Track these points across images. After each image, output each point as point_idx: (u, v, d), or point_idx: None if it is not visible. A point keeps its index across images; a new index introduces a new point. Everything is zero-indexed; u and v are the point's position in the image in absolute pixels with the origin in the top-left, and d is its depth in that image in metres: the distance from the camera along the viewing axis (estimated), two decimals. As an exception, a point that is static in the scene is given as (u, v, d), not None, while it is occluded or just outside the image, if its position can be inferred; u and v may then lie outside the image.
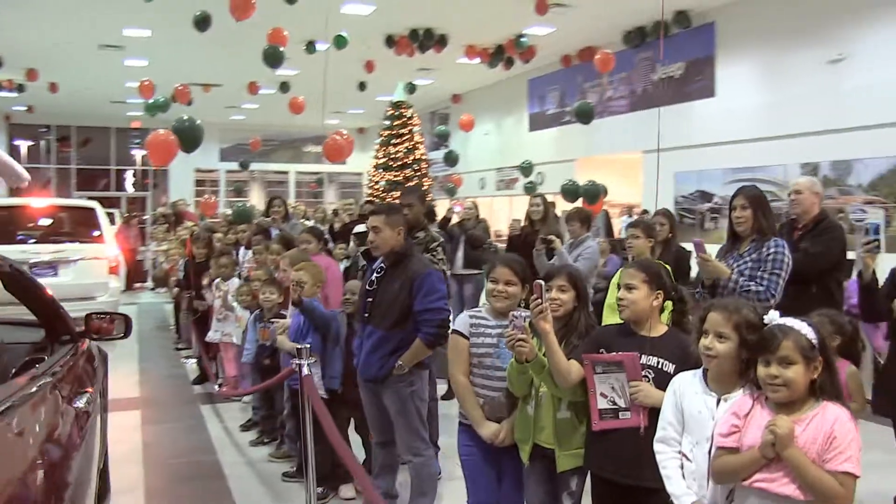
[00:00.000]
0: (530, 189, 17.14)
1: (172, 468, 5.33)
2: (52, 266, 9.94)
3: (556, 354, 2.99)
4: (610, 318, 4.93)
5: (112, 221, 15.19)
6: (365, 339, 3.99)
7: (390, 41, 16.97)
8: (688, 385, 2.69)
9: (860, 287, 4.35)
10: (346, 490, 4.68)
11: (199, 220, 13.48)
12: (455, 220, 9.22)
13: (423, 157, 16.72)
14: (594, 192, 12.02)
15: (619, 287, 3.13)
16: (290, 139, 31.24)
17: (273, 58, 12.18)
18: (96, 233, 10.60)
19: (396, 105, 17.01)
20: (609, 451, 2.97)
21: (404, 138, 16.61)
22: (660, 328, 3.07)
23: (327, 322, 4.56)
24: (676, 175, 15.83)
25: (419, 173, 16.69)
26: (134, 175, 32.66)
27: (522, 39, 16.54)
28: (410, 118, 16.97)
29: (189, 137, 8.88)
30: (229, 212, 12.95)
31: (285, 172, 32.74)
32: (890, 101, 11.58)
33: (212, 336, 6.91)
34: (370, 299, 4.01)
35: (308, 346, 3.75)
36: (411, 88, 18.29)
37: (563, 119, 19.87)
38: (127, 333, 3.58)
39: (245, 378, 6.52)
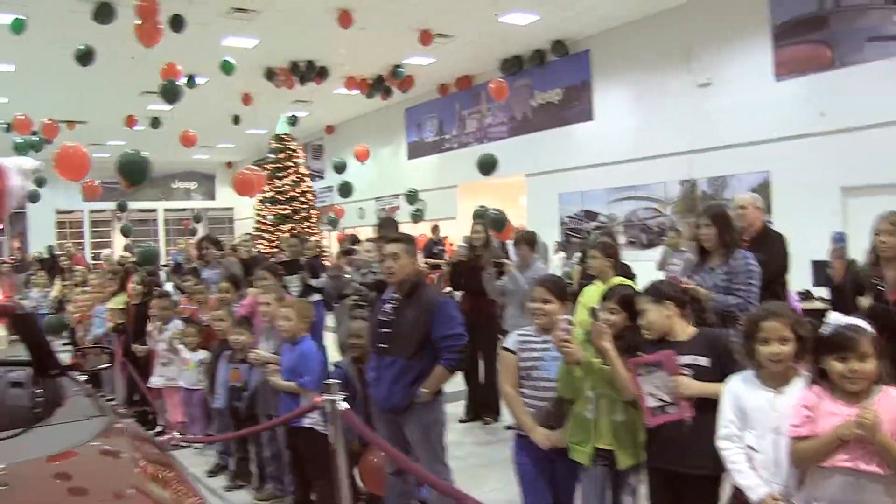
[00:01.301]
0: (417, 217, 17.38)
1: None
2: None
3: (617, 368, 3.31)
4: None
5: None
6: (383, 370, 4.03)
7: (270, 74, 16.86)
8: (744, 385, 2.97)
9: (832, 288, 4.79)
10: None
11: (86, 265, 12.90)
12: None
13: (310, 190, 16.65)
14: (501, 221, 12.34)
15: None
16: (159, 176, 30.18)
17: (170, 93, 11.87)
18: None
19: (279, 138, 16.87)
20: (662, 444, 3.26)
21: (290, 171, 16.48)
22: (688, 331, 3.38)
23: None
24: (560, 196, 16.49)
25: (306, 206, 16.58)
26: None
27: (399, 70, 16.84)
28: (294, 151, 16.88)
29: (135, 171, 8.53)
30: (118, 255, 12.47)
31: (153, 210, 31.63)
32: (754, 121, 12.56)
33: (155, 381, 6.68)
34: (387, 329, 4.06)
35: (338, 381, 3.73)
36: (293, 121, 18.21)
37: (442, 147, 20.27)
38: (111, 363, 3.75)
39: (195, 422, 6.35)
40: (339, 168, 16.59)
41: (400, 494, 4.23)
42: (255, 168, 12.82)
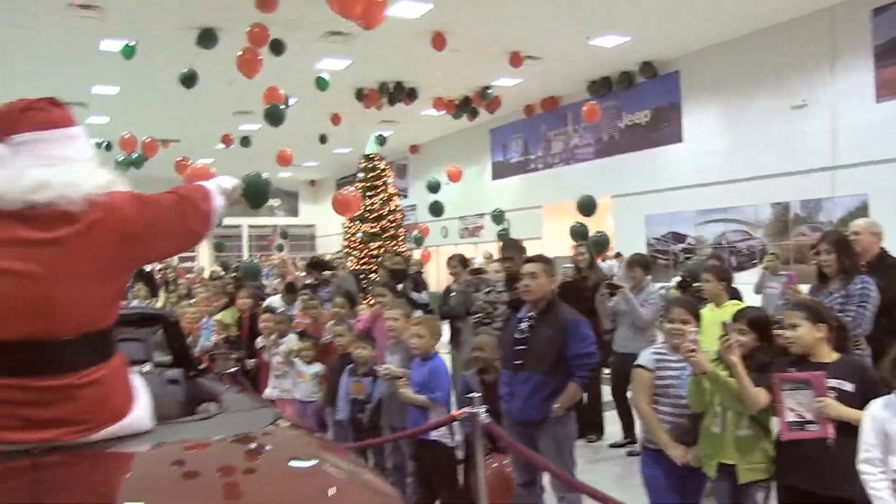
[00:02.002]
0: (503, 236, 17.49)
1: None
2: None
3: (744, 381, 3.40)
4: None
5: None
6: (518, 385, 4.17)
7: (360, 95, 17.24)
8: (886, 411, 2.99)
9: None
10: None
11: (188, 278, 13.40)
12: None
13: (398, 209, 16.92)
14: (603, 243, 12.48)
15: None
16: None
17: (274, 116, 12.28)
18: None
19: (369, 158, 17.20)
20: (798, 462, 3.32)
21: (378, 190, 16.79)
22: (833, 355, 3.43)
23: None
24: (647, 218, 16.41)
25: (394, 224, 16.85)
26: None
27: (488, 91, 17.04)
28: (384, 170, 17.19)
29: (259, 193, 8.93)
30: (219, 269, 12.92)
31: (238, 226, 32.48)
32: (853, 142, 12.35)
33: (269, 393, 6.88)
34: (522, 346, 4.19)
35: (479, 395, 3.86)
36: (382, 141, 18.56)
37: (528, 167, 20.39)
38: (238, 366, 4.33)
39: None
40: (434, 188, 16.82)
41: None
42: (351, 189, 13.10)
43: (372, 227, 16.39)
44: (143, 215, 2.27)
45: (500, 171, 21.56)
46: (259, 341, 7.22)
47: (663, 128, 16.16)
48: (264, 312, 7.28)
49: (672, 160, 15.94)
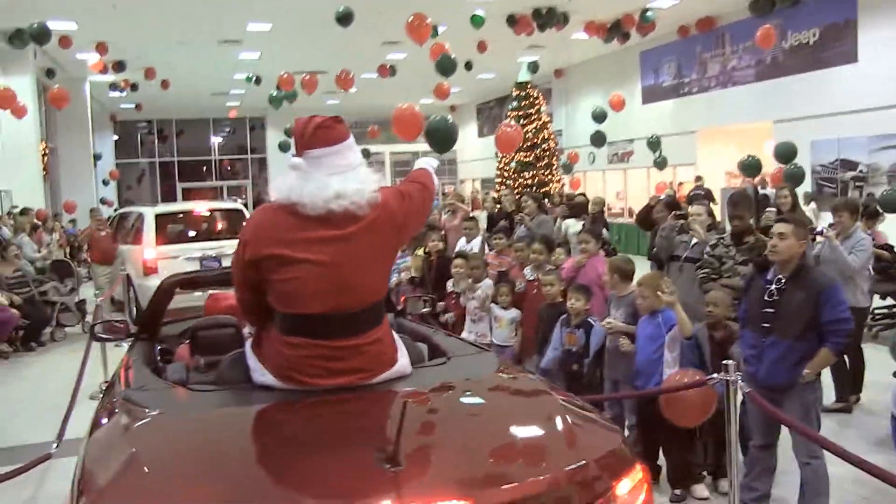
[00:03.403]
0: (660, 164, 17.11)
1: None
2: (216, 259, 11.56)
3: None
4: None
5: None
6: (767, 349, 4.15)
7: (512, 20, 16.95)
8: None
9: None
10: (701, 490, 4.83)
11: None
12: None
13: (552, 137, 16.72)
14: (755, 166, 12.07)
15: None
16: (384, 120, 31.32)
17: (447, 67, 12.32)
18: None
19: (522, 85, 16.99)
20: None
21: (532, 118, 16.62)
22: None
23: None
24: (813, 144, 15.59)
25: (548, 152, 16.71)
26: (227, 164, 33.35)
27: (648, 14, 16.40)
28: (536, 98, 16.96)
29: (445, 138, 9.08)
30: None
31: (379, 153, 32.96)
32: None
33: (465, 336, 7.06)
34: (771, 310, 4.15)
35: (732, 362, 3.85)
36: (535, 68, 18.29)
37: (681, 91, 19.71)
38: (430, 308, 5.01)
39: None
40: (599, 118, 16.44)
41: (764, 469, 4.34)
42: (514, 124, 13.04)
43: (526, 157, 16.29)
44: (403, 208, 2.88)
45: (650, 95, 20.92)
46: (450, 285, 7.36)
47: (834, 47, 15.18)
48: (457, 257, 7.39)
49: (844, 82, 15.00)
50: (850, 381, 6.49)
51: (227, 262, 11.10)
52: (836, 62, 15.16)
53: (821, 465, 4.14)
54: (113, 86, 22.41)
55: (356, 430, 2.52)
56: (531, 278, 6.73)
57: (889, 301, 9.06)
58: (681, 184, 19.91)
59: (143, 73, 20.22)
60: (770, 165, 15.79)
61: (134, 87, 22.38)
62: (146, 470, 2.24)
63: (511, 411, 2.78)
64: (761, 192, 15.06)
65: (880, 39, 14.29)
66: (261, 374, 2.82)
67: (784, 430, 4.32)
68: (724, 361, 3.78)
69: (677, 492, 4.77)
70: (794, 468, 4.40)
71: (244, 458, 2.41)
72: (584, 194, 12.32)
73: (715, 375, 3.86)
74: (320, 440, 2.45)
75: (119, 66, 19.68)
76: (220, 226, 12.45)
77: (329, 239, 2.68)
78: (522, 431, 2.59)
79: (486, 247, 8.30)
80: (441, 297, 7.57)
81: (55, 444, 5.66)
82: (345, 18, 13.75)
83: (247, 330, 3.98)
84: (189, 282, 4.60)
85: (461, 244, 8.49)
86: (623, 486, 2.32)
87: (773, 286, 4.18)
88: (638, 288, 4.94)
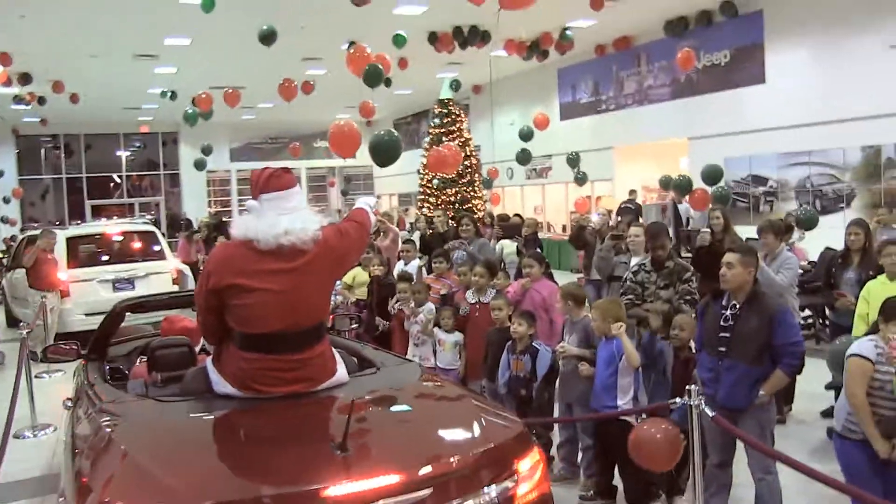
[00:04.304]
0: (581, 180, 17.45)
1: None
2: (129, 281, 11.53)
3: None
4: (860, 327, 5.27)
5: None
6: (724, 372, 4.29)
7: (433, 38, 17.06)
8: None
9: None
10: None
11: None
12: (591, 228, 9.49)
13: (475, 153, 16.85)
14: (685, 186, 12.39)
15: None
16: (299, 136, 31.03)
17: (374, 77, 12.24)
18: (157, 249, 12.35)
19: (444, 103, 17.09)
20: None
21: (454, 135, 16.73)
22: None
23: (662, 356, 4.84)
24: (726, 160, 16.14)
25: (470, 169, 16.84)
26: (137, 180, 32.42)
27: (567, 32, 16.74)
28: (458, 115, 17.08)
29: (390, 153, 8.97)
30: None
31: (297, 169, 32.58)
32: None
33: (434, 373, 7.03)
34: (727, 335, 4.29)
35: (697, 388, 3.94)
36: (456, 86, 18.40)
37: (598, 108, 20.17)
38: (356, 326, 5.92)
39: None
40: (526, 136, 16.61)
41: (721, 486, 4.48)
42: (452, 145, 13.08)
43: (448, 173, 16.35)
44: (342, 244, 3.48)
45: (568, 112, 21.33)
46: (393, 305, 7.36)
47: (744, 68, 15.82)
48: (400, 280, 7.40)
49: (754, 101, 15.64)
50: (784, 393, 6.75)
51: (139, 285, 11.43)
52: (746, 83, 15.80)
53: (775, 480, 4.32)
54: (17, 98, 21.51)
55: (309, 428, 3.16)
56: (473, 301, 6.77)
57: (807, 312, 9.48)
58: (598, 198, 20.37)
59: (52, 86, 19.52)
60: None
61: (41, 100, 21.51)
62: (139, 465, 2.72)
63: (433, 409, 3.50)
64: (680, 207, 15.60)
65: (786, 62, 14.97)
66: (222, 385, 3.33)
67: (739, 448, 4.48)
68: (687, 386, 3.89)
69: (634, 511, 4.88)
70: (745, 482, 4.58)
71: (219, 452, 3.05)
72: (519, 215, 12.45)
73: (678, 400, 3.97)
74: (280, 436, 3.05)
75: (25, 79, 18.94)
76: (132, 248, 12.41)
77: (280, 271, 3.22)
78: (442, 424, 3.28)
79: (423, 270, 8.34)
80: (386, 318, 7.59)
81: None
82: (268, 37, 13.57)
83: (198, 348, 4.70)
84: (138, 306, 5.03)
85: (399, 266, 8.48)
86: (524, 465, 2.94)
87: (728, 311, 4.33)
88: (592, 312, 5.03)
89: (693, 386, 3.88)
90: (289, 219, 3.25)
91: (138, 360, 4.90)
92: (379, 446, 2.93)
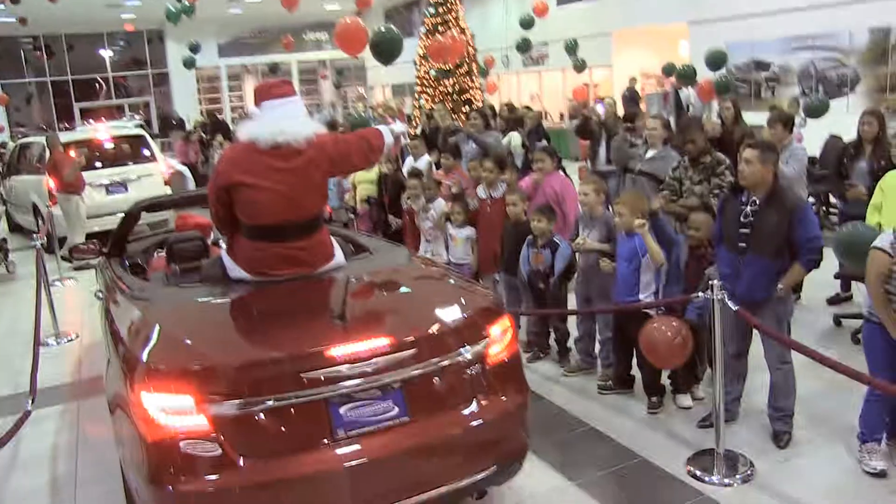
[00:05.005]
0: (580, 67, 17.18)
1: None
2: (122, 185, 11.84)
3: None
4: (873, 217, 5.32)
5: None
6: (744, 267, 4.34)
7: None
8: None
9: None
10: (684, 399, 5.11)
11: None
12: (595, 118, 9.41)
13: (471, 44, 16.49)
14: (690, 75, 12.24)
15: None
16: (289, 28, 30.24)
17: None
18: (147, 153, 12.58)
19: (439, -9, 16.62)
20: None
21: (449, 24, 16.32)
22: None
23: (676, 245, 4.89)
24: (728, 45, 15.85)
25: (467, 59, 16.50)
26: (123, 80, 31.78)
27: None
28: (454, 4, 16.64)
29: (392, 49, 8.79)
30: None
31: (288, 63, 31.97)
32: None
33: (421, 254, 7.10)
34: (747, 230, 4.34)
35: (717, 282, 4.01)
36: (450, -27, 17.85)
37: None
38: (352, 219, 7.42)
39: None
40: (527, 24, 16.21)
41: (736, 376, 4.63)
42: (454, 34, 12.77)
43: (444, 64, 16.03)
44: (336, 149, 3.83)
45: (565, -3, 20.77)
46: (405, 201, 7.34)
47: (747, -53, 15.32)
48: (410, 177, 7.37)
49: (756, -18, 15.23)
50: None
51: (132, 188, 11.73)
52: (749, -37, 15.33)
53: (790, 369, 4.45)
54: (-12, -2, 20.74)
55: (312, 303, 3.70)
56: (484, 196, 6.78)
57: (811, 201, 9.53)
58: (596, 85, 20.10)
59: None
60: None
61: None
62: (173, 337, 3.26)
63: (417, 285, 4.00)
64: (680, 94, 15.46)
65: (792, -61, 14.47)
66: (236, 270, 3.82)
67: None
68: (710, 281, 3.96)
69: (654, 399, 5.03)
70: (756, 369, 4.78)
71: (238, 325, 3.61)
72: (528, 107, 12.22)
73: (700, 294, 4.05)
74: (289, 311, 3.54)
75: (1, -23, 18.24)
76: (122, 152, 12.56)
77: (279, 169, 3.63)
78: (425, 297, 3.81)
79: (432, 166, 8.31)
80: (398, 216, 7.62)
81: (30, 400, 5.34)
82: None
83: (209, 241, 5.28)
84: (153, 206, 5.46)
85: (408, 162, 8.45)
86: (495, 329, 3.41)
87: (749, 207, 4.35)
88: (617, 206, 5.04)
89: (714, 280, 3.94)
90: (286, 122, 3.67)
91: (155, 255, 5.53)
92: (371, 316, 3.49)
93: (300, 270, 3.78)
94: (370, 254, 4.41)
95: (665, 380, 5.16)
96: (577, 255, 5.61)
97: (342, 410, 3.03)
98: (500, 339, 3.42)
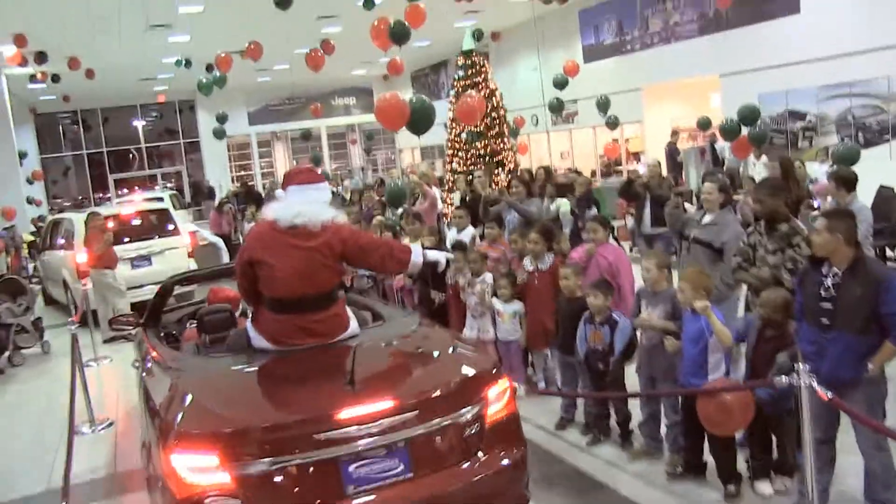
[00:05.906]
0: (613, 124, 17.04)
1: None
2: (146, 258, 11.90)
3: None
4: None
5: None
6: (828, 344, 4.02)
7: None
8: None
9: None
10: (764, 486, 4.72)
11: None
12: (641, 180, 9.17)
13: (501, 105, 16.38)
14: (734, 130, 12.02)
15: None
16: (316, 94, 30.53)
17: (400, 34, 11.92)
18: (171, 227, 12.63)
19: (467, 54, 16.55)
20: None
21: (479, 86, 16.22)
22: None
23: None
24: (761, 96, 15.68)
25: (498, 121, 16.38)
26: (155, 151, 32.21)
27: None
28: (483, 66, 16.57)
29: (424, 121, 8.71)
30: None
31: (317, 128, 32.21)
32: None
33: (468, 334, 6.81)
34: (829, 305, 4.03)
35: (805, 366, 3.69)
36: (479, 35, 17.89)
37: (623, 49, 19.61)
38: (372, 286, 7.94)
39: (514, 372, 6.43)
40: (561, 84, 16.17)
41: (825, 463, 4.24)
42: (475, 94, 12.73)
43: (476, 126, 15.91)
44: (349, 241, 4.15)
45: (592, 54, 20.77)
46: (449, 277, 7.06)
47: (775, -1, 15.22)
48: (454, 249, 7.09)
49: (788, 33, 15.04)
50: None
51: (156, 261, 11.86)
52: (779, 13, 15.20)
53: (888, 457, 4.06)
54: (33, 78, 21.24)
55: (326, 370, 3.94)
56: (531, 269, 6.53)
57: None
58: (627, 140, 19.92)
59: (67, 63, 19.21)
60: (718, 119, 15.91)
61: (55, 77, 21.23)
62: (202, 404, 3.60)
63: (424, 351, 4.29)
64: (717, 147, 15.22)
65: (823, -11, 14.34)
66: (259, 340, 4.14)
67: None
68: (796, 365, 3.64)
69: (731, 487, 4.66)
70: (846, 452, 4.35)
71: (259, 391, 3.94)
72: (578, 171, 11.95)
73: (783, 378, 3.72)
74: (305, 377, 3.90)
75: (41, 58, 18.62)
76: (147, 225, 12.61)
77: (296, 247, 3.99)
78: (430, 362, 4.14)
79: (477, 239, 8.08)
80: (441, 290, 7.34)
81: (63, 502, 5.08)
82: (284, 1, 13.21)
83: (237, 313, 5.71)
84: (185, 279, 6.13)
85: (452, 234, 8.23)
86: (493, 391, 3.68)
87: (830, 280, 4.05)
88: (679, 283, 4.76)
89: (801, 365, 3.62)
90: (306, 206, 4.03)
91: (188, 325, 6.01)
92: (378, 380, 3.76)
93: (318, 340, 4.08)
94: (383, 321, 4.73)
95: (742, 464, 4.80)
96: (637, 332, 5.30)
97: (351, 468, 3.31)
98: (497, 399, 3.69)
